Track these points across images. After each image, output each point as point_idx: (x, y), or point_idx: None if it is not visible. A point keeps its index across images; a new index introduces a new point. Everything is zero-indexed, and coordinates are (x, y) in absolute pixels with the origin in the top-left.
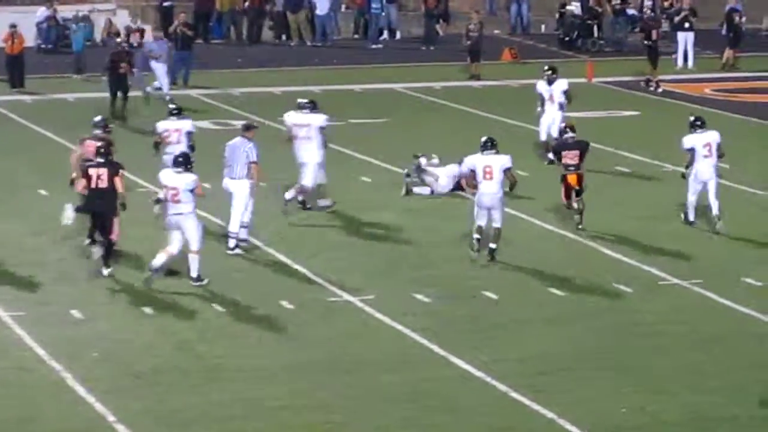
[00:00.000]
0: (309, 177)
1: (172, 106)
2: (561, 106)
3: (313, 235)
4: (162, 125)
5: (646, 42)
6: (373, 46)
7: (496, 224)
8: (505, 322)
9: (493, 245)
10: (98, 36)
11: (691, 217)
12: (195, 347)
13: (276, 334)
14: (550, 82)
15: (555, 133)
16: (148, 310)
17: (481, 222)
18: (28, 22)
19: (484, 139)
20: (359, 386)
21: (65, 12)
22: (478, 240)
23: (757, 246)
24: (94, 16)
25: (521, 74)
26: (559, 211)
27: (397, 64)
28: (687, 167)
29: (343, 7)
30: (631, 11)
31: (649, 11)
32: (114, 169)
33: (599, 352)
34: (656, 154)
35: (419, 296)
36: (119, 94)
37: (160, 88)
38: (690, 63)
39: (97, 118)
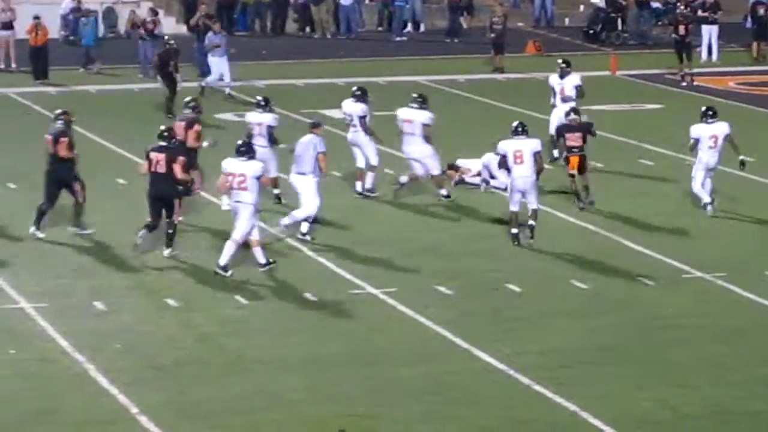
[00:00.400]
0: (435, 165)
1: (258, 98)
2: (565, 100)
3: (335, 228)
4: (249, 117)
5: (674, 36)
6: (397, 39)
7: (533, 206)
8: (527, 314)
9: (532, 222)
10: (122, 28)
11: (707, 199)
12: (217, 339)
13: (298, 326)
14: (562, 76)
15: None
16: (170, 302)
17: (516, 208)
18: (52, 14)
19: (515, 124)
20: (381, 379)
21: (89, 4)
22: (516, 235)
23: None
24: (118, 8)
25: (545, 67)
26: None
27: (421, 57)
28: (690, 152)
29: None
30: (655, 4)
31: (682, 6)
32: (172, 154)
33: (621, 345)
34: (679, 147)
35: (442, 288)
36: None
37: (221, 79)
38: (714, 56)
39: (187, 99)
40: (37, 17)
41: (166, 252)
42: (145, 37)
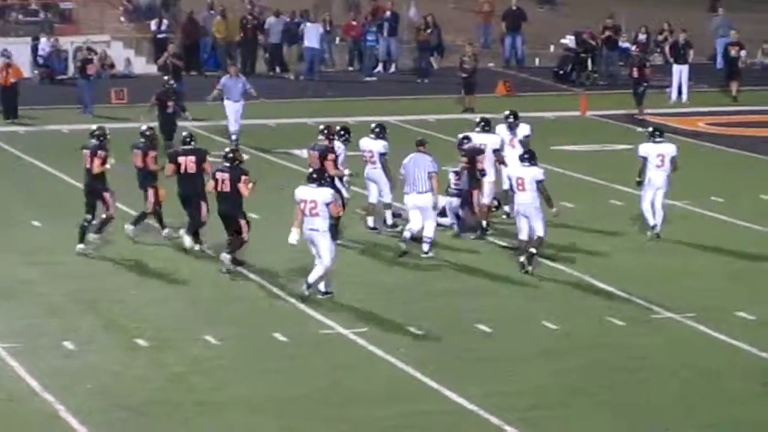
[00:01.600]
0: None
1: (373, 125)
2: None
3: (305, 267)
4: (362, 143)
5: (633, 77)
6: (368, 79)
7: (539, 232)
8: (498, 355)
9: (532, 249)
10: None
11: (650, 222)
12: (187, 379)
13: (269, 366)
14: (511, 128)
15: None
16: (140, 341)
17: (524, 236)
18: (23, 53)
19: (521, 152)
20: (352, 420)
21: (62, 44)
22: (523, 264)
23: (750, 280)
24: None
25: (515, 107)
26: (552, 244)
27: (391, 97)
28: (639, 175)
29: (338, 39)
30: (625, 44)
31: (635, 49)
32: (236, 174)
33: (592, 386)
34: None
35: (412, 329)
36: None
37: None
38: (684, 96)
39: (321, 126)
40: (7, 56)
41: (231, 266)
42: (76, 76)
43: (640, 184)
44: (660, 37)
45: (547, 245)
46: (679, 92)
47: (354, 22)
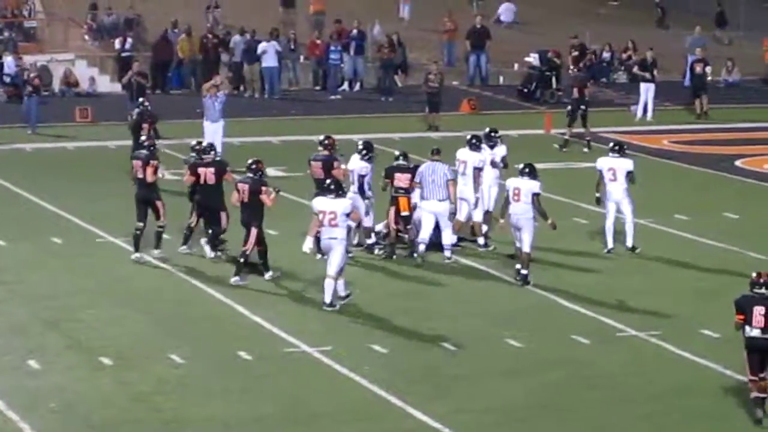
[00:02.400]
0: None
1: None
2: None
3: (271, 285)
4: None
5: (573, 97)
6: (332, 97)
7: (525, 248)
8: (462, 373)
9: (524, 271)
10: (56, 86)
11: (609, 244)
12: (152, 398)
13: (234, 385)
14: (493, 146)
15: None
16: (105, 360)
17: (519, 244)
18: None
19: (522, 165)
20: None
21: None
22: (518, 270)
23: (714, 298)
24: (52, 66)
25: (480, 125)
26: (517, 263)
27: (355, 115)
28: (597, 189)
29: (302, 57)
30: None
31: (576, 70)
32: (256, 185)
33: (557, 404)
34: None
35: (377, 347)
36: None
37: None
38: (649, 115)
39: (321, 137)
40: None
41: (233, 280)
42: (29, 94)
43: (598, 201)
44: (624, 55)
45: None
46: (645, 110)
47: (318, 41)
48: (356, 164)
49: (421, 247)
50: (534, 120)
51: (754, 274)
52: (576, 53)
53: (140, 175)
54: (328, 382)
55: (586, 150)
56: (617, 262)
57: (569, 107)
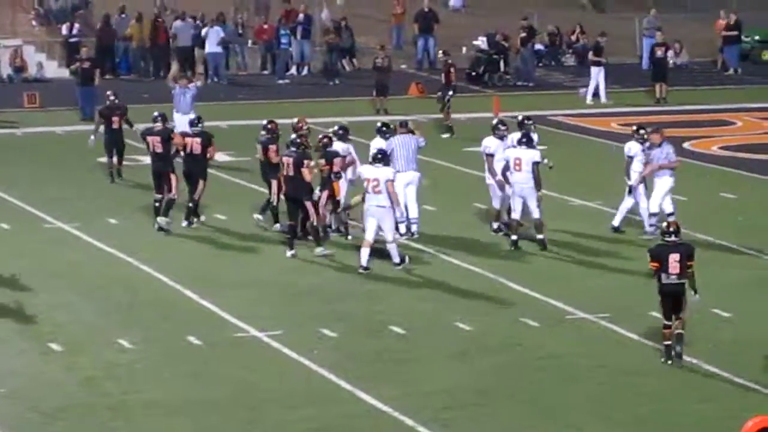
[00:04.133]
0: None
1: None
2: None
3: (220, 271)
4: None
5: (442, 83)
6: (280, 82)
7: (536, 215)
8: (411, 356)
9: (540, 236)
10: (4, 71)
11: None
12: (101, 383)
13: (183, 369)
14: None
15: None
16: (54, 346)
17: (517, 216)
18: None
19: (520, 134)
20: (266, 422)
21: None
22: (515, 242)
23: None
24: None
25: (428, 109)
26: (467, 245)
27: (303, 99)
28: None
29: (250, 42)
30: (538, 46)
31: (443, 55)
32: (300, 158)
33: (506, 386)
34: (561, 188)
35: (326, 331)
36: (114, 153)
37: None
38: (604, 98)
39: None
40: None
41: (317, 251)
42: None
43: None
44: (572, 37)
45: (459, 244)
46: (596, 93)
47: (265, 25)
48: (379, 144)
49: (403, 228)
50: (483, 103)
51: (664, 224)
52: (524, 35)
53: (158, 150)
54: (277, 367)
55: (446, 135)
56: (565, 246)
57: (440, 93)
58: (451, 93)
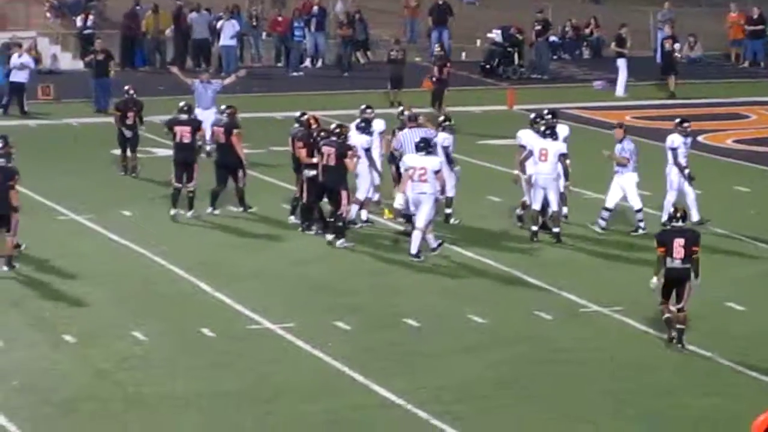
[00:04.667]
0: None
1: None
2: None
3: (234, 263)
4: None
5: (433, 78)
6: (294, 74)
7: (554, 207)
8: (425, 349)
9: (556, 229)
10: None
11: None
12: (114, 375)
13: (197, 362)
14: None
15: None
16: (67, 338)
17: (538, 206)
18: None
19: (544, 127)
20: (279, 414)
21: None
22: (535, 233)
23: None
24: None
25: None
26: (481, 238)
27: (317, 92)
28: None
29: (264, 34)
30: (553, 38)
31: (437, 48)
32: (343, 148)
33: (519, 379)
34: (576, 182)
35: (340, 324)
36: (128, 148)
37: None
38: (621, 90)
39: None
40: None
41: (339, 243)
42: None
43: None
44: (586, 31)
45: (471, 238)
46: (611, 82)
47: (280, 18)
48: (439, 136)
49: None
50: (497, 96)
51: (671, 209)
52: (539, 27)
53: (186, 140)
54: (291, 359)
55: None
56: (578, 239)
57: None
58: (443, 87)
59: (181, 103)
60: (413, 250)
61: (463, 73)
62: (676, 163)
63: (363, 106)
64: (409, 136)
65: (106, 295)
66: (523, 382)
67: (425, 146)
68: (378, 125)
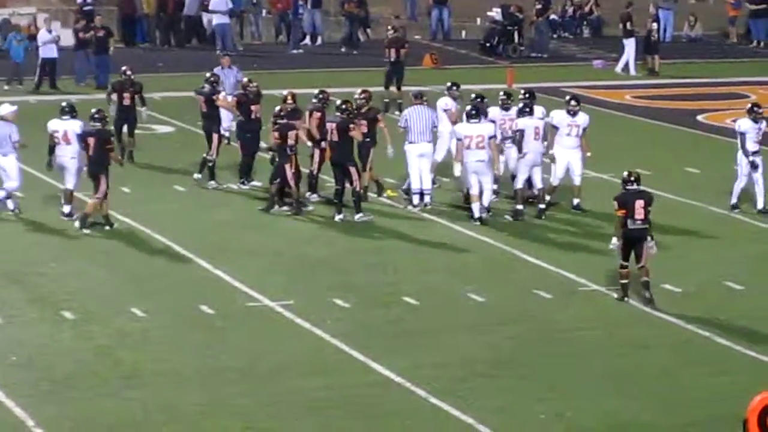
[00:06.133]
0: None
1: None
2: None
3: (233, 240)
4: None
5: (388, 59)
6: (294, 51)
7: (539, 185)
8: (424, 328)
9: (542, 205)
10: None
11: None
12: (114, 352)
13: (195, 338)
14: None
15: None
16: (67, 314)
17: (520, 184)
18: None
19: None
20: (279, 392)
21: None
22: (521, 212)
23: (676, 252)
24: (14, 19)
25: (442, 80)
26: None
27: (318, 69)
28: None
29: (264, 11)
30: (553, 16)
31: (391, 30)
32: (345, 123)
33: (519, 358)
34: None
35: (339, 301)
36: (125, 129)
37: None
38: (632, 70)
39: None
40: None
41: (357, 216)
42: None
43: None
44: (586, 9)
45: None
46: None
47: None
48: (440, 100)
49: (416, 198)
50: (496, 74)
51: (625, 174)
52: (539, 6)
53: (204, 109)
54: (289, 336)
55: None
56: (579, 217)
57: (391, 69)
58: (400, 68)
59: (207, 74)
60: (476, 214)
61: (463, 51)
62: (743, 149)
63: (449, 84)
64: (415, 114)
65: (106, 271)
66: (523, 360)
67: (477, 114)
68: (444, 102)
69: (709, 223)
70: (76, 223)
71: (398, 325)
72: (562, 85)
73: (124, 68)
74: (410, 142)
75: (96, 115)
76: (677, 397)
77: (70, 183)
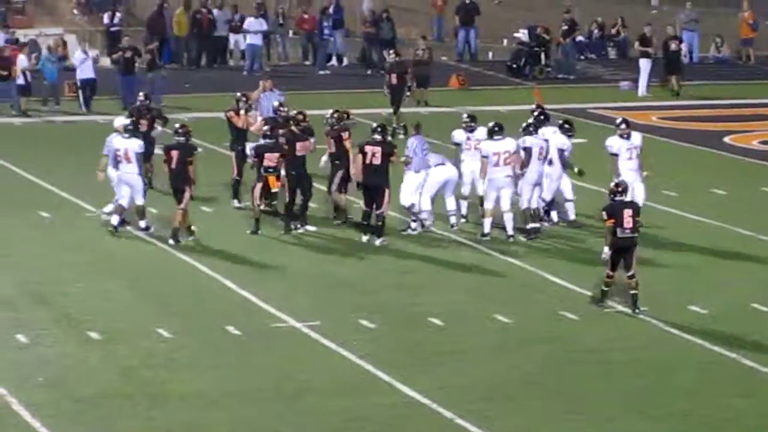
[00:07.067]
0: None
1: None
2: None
3: (258, 260)
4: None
5: (390, 84)
6: (321, 73)
7: (534, 204)
8: (450, 348)
9: (535, 225)
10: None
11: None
12: (139, 372)
13: (222, 359)
14: (471, 131)
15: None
16: (93, 334)
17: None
18: None
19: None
20: (305, 413)
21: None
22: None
23: (702, 274)
24: (41, 40)
25: (469, 101)
26: (504, 238)
27: (345, 90)
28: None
29: (291, 32)
30: (579, 38)
31: (393, 55)
32: (389, 148)
33: (545, 379)
34: (598, 180)
35: (364, 322)
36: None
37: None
38: (643, 90)
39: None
40: None
41: (378, 241)
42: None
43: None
44: (613, 31)
45: (496, 238)
46: (635, 81)
47: (306, 15)
48: (558, 139)
49: (427, 222)
50: (523, 96)
51: (612, 185)
52: (566, 27)
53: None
54: (315, 357)
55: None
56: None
57: (391, 95)
58: (404, 94)
59: (238, 94)
60: (510, 231)
61: (490, 72)
62: None
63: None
64: (417, 143)
65: (132, 292)
66: (549, 382)
67: (500, 130)
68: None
69: (736, 244)
70: (170, 240)
71: (424, 346)
72: (589, 107)
73: (140, 94)
74: (416, 171)
75: (180, 130)
76: (702, 419)
77: (139, 200)
